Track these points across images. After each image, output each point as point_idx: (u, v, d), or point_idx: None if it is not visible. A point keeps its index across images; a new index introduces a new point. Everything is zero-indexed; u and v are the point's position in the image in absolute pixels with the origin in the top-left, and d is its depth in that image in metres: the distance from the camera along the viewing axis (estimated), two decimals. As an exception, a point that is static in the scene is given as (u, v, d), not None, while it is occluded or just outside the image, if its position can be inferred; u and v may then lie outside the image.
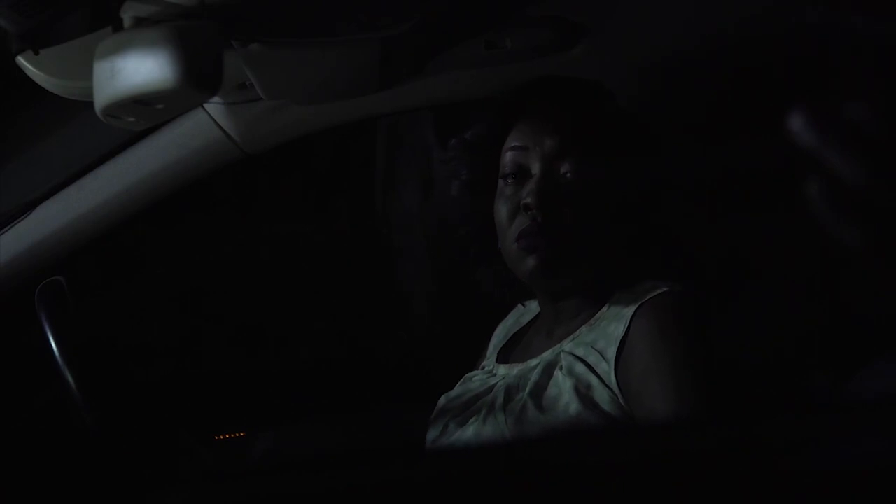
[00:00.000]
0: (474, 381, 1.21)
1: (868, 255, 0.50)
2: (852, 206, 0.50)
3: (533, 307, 1.28)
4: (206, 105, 1.31)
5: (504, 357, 1.24)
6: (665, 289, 1.07)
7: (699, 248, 1.28)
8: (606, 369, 1.05)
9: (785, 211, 1.22)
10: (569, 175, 1.11)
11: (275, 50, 1.04)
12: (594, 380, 1.05)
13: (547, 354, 1.13)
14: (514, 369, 1.16)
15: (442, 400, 1.22)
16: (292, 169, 1.78)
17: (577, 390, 1.05)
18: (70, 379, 1.27)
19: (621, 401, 1.03)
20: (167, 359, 1.67)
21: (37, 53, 0.96)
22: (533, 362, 1.13)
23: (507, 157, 1.14)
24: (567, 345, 1.11)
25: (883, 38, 1.13)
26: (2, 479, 1.31)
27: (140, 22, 0.91)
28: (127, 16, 0.91)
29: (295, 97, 1.27)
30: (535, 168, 1.12)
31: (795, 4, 1.18)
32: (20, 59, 0.99)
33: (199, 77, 0.89)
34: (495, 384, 1.15)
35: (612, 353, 1.05)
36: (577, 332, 1.11)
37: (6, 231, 1.40)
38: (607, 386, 1.04)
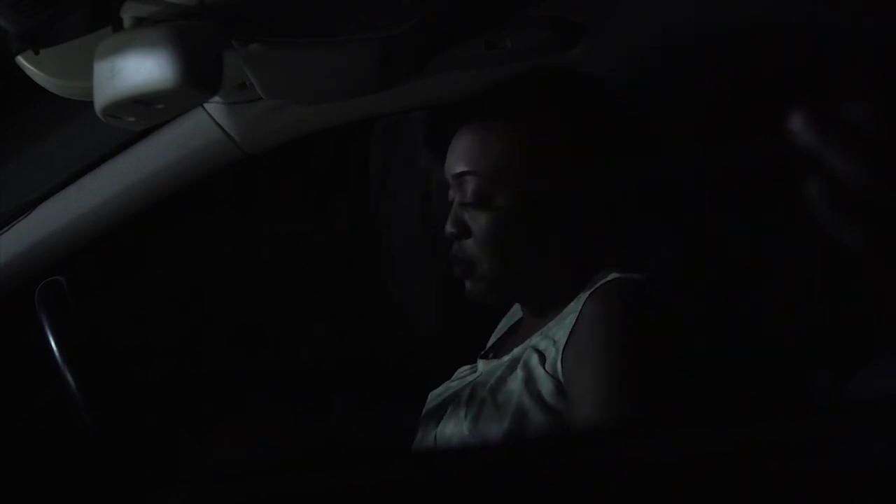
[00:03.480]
0: (457, 377, 1.22)
1: (868, 255, 0.50)
2: (852, 205, 0.50)
3: None
4: (206, 105, 1.31)
5: (495, 353, 1.25)
6: (615, 276, 1.07)
7: (697, 248, 1.28)
8: (554, 357, 1.05)
9: (785, 211, 1.23)
10: (473, 201, 1.12)
11: (275, 50, 1.04)
12: (541, 371, 1.06)
13: (517, 351, 1.13)
14: (490, 366, 1.17)
15: (429, 398, 1.23)
16: (292, 169, 1.78)
17: (525, 382, 1.06)
18: (70, 379, 1.27)
19: (563, 390, 1.03)
20: (167, 359, 1.67)
21: (37, 53, 0.97)
22: (505, 358, 1.14)
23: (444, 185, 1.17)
24: (534, 340, 1.12)
25: (883, 38, 1.13)
26: (2, 479, 1.31)
27: (140, 22, 0.91)
28: (127, 16, 0.91)
29: (295, 97, 1.27)
30: (452, 196, 1.15)
31: (796, 4, 1.18)
32: (20, 59, 0.99)
33: (199, 77, 0.89)
34: (472, 381, 1.16)
35: (562, 342, 1.06)
36: (546, 327, 1.12)
37: (6, 231, 1.40)
38: (552, 375, 1.04)
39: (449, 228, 1.14)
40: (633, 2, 1.22)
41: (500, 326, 1.33)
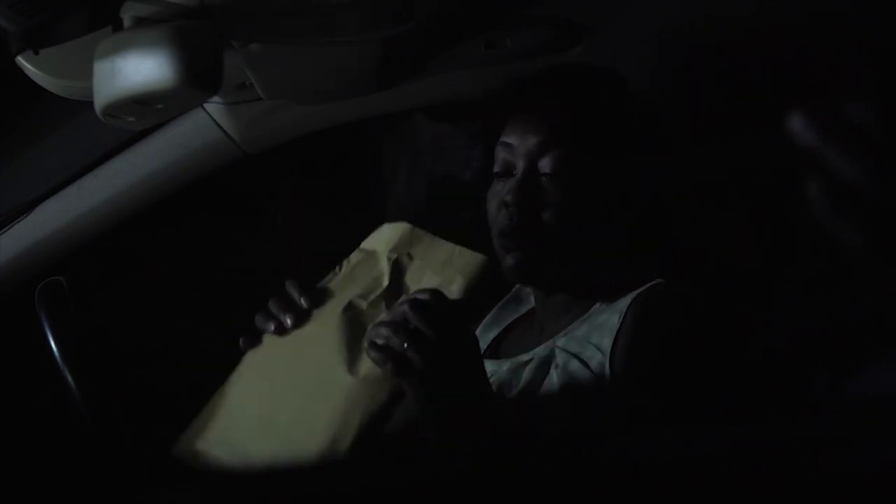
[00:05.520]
0: None
1: (868, 254, 0.50)
2: (853, 205, 0.50)
3: (530, 300, 1.27)
4: (206, 105, 1.31)
5: (493, 352, 1.23)
6: (659, 280, 1.08)
7: (697, 247, 1.28)
8: (602, 360, 1.05)
9: (785, 210, 1.22)
10: (549, 174, 1.10)
11: (275, 50, 1.04)
12: (586, 374, 1.05)
13: (540, 350, 1.12)
14: (504, 365, 1.15)
15: None
16: (292, 169, 1.78)
17: (570, 390, 1.05)
18: (70, 379, 1.27)
19: (613, 392, 1.03)
20: (168, 359, 1.67)
21: (37, 53, 0.97)
22: (524, 357, 1.13)
23: (497, 152, 1.14)
24: (560, 340, 1.11)
25: (883, 38, 1.13)
26: (2, 479, 1.31)
27: (140, 22, 0.91)
28: (127, 16, 0.91)
29: (295, 97, 1.27)
30: (519, 166, 1.12)
31: (799, 5, 1.18)
32: (20, 59, 0.99)
33: (199, 77, 0.89)
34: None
35: (607, 344, 1.05)
36: (570, 327, 1.11)
37: (6, 231, 1.40)
38: (601, 378, 1.04)
39: (512, 198, 1.09)
40: (634, 2, 1.22)
41: (487, 326, 1.29)
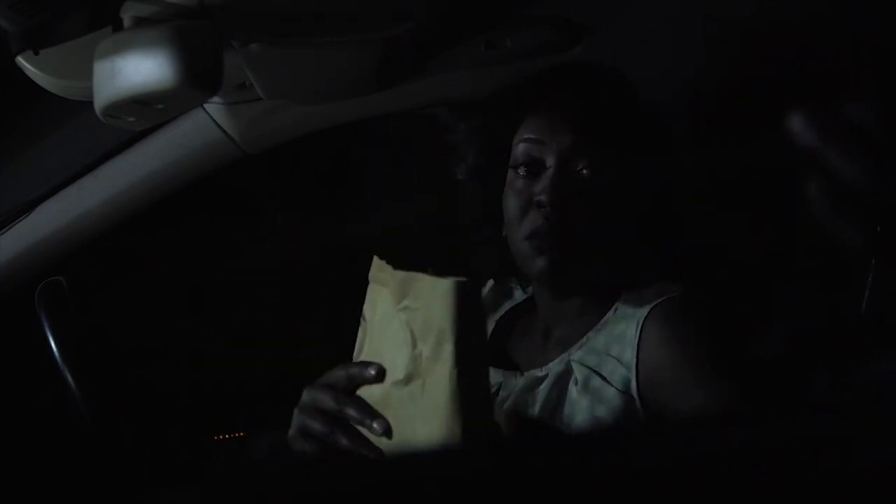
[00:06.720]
0: None
1: (868, 254, 0.50)
2: (853, 205, 0.50)
3: (516, 294, 1.24)
4: (206, 105, 1.31)
5: (497, 359, 1.18)
6: (675, 293, 1.05)
7: (698, 247, 1.28)
8: (626, 375, 1.03)
9: (785, 211, 1.22)
10: (584, 172, 1.06)
11: (275, 50, 1.04)
12: (610, 392, 1.03)
13: (554, 365, 1.09)
14: (519, 380, 1.11)
15: None
16: (293, 169, 1.78)
17: (593, 410, 1.03)
18: (70, 379, 1.27)
19: (638, 406, 1.01)
20: (167, 359, 1.67)
21: (37, 53, 0.97)
22: (539, 373, 1.10)
23: (520, 148, 1.10)
24: (576, 353, 1.08)
25: (884, 38, 1.13)
26: (2, 479, 1.31)
27: (140, 22, 0.91)
28: (127, 16, 0.91)
29: (295, 97, 1.27)
30: (550, 163, 1.07)
31: (799, 5, 1.19)
32: (20, 59, 0.99)
33: (199, 77, 0.89)
34: (497, 393, 1.11)
35: (629, 357, 1.03)
36: (585, 338, 1.08)
37: (6, 231, 1.40)
38: (625, 393, 1.02)
39: (548, 197, 1.05)
40: (634, 2, 1.22)
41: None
